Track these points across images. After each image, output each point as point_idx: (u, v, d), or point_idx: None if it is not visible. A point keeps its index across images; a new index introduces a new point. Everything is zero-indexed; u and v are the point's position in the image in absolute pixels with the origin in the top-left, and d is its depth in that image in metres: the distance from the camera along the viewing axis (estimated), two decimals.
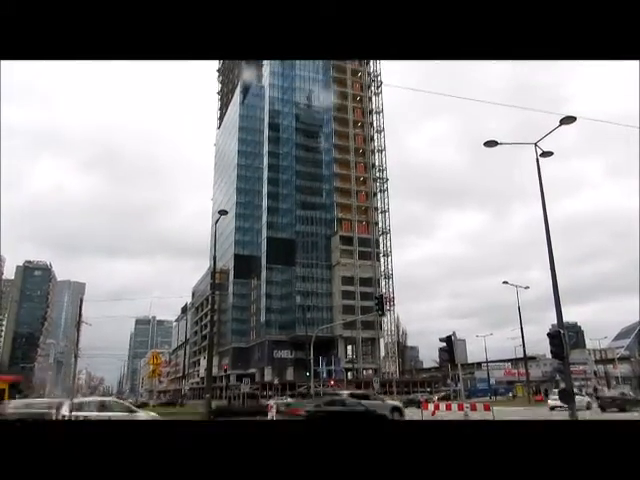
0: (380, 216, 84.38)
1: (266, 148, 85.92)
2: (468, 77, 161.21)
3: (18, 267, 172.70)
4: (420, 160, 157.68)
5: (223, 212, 29.72)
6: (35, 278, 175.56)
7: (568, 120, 19.26)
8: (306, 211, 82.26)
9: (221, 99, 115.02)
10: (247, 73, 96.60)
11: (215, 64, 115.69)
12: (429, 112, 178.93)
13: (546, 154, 20.22)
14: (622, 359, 78.52)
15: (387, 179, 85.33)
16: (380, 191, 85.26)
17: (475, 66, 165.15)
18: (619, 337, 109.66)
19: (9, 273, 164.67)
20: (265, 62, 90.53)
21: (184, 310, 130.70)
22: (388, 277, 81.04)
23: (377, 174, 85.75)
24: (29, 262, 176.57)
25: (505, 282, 43.08)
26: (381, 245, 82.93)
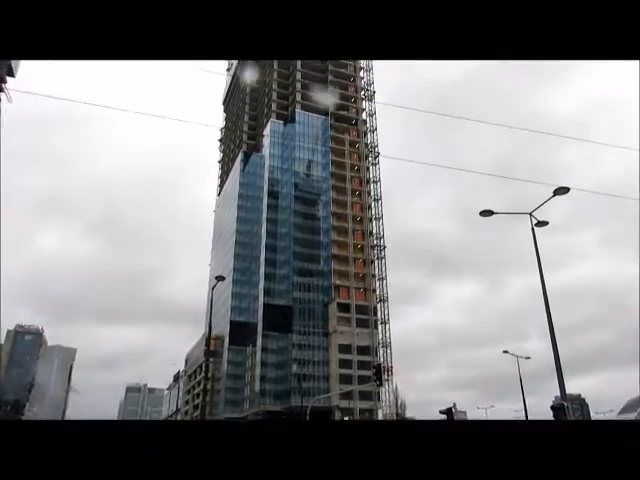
0: (378, 283, 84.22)
1: (265, 215, 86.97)
2: (463, 150, 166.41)
3: (9, 331, 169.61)
4: (416, 229, 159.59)
5: (220, 278, 29.63)
6: (26, 343, 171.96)
7: (561, 191, 19.70)
8: (303, 278, 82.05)
9: (222, 167, 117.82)
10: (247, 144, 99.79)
11: (217, 134, 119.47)
12: (425, 182, 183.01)
13: (541, 224, 20.52)
14: None
15: (384, 246, 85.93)
16: (377, 258, 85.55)
17: (469, 137, 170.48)
18: (625, 410, 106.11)
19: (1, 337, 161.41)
20: (266, 132, 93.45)
21: (176, 378, 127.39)
22: (386, 346, 79.70)
23: (374, 241, 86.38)
24: (20, 326, 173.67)
25: (505, 351, 42.38)
26: (379, 313, 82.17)
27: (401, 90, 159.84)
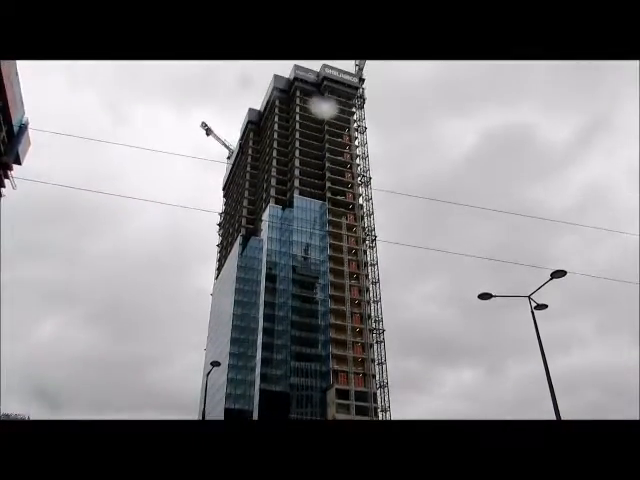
0: (377, 368, 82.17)
1: (262, 299, 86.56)
2: (459, 235, 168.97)
3: None
4: (414, 314, 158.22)
5: (215, 363, 28.97)
6: None
7: (558, 274, 19.77)
8: (301, 363, 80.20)
9: (220, 251, 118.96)
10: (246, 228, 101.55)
11: (217, 218, 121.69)
12: (423, 265, 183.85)
13: (540, 307, 20.39)
14: None
15: (383, 330, 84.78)
16: (376, 342, 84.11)
17: (464, 226, 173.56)
18: None
19: None
20: (264, 217, 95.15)
21: None
22: None
23: (373, 325, 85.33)
24: (7, 415, 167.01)
25: None
26: (379, 399, 79.47)
27: (399, 176, 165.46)
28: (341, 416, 75.36)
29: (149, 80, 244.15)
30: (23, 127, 52.70)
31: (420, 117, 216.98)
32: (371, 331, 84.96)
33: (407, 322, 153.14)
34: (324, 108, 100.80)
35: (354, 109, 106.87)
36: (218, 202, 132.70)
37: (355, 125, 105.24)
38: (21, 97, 51.18)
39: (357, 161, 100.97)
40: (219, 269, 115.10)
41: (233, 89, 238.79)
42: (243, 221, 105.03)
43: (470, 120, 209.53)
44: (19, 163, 53.31)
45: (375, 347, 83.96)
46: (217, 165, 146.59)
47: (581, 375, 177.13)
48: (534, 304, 20.17)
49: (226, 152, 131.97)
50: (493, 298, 20.95)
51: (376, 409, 78.57)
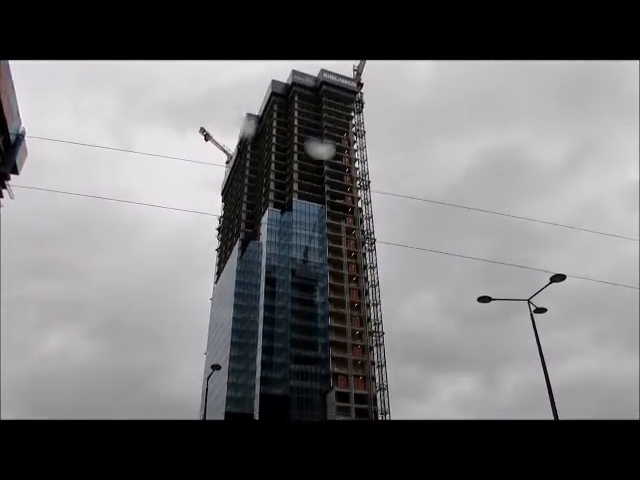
0: (377, 371, 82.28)
1: (262, 302, 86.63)
2: (455, 247, 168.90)
3: None
4: (411, 321, 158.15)
5: (216, 367, 29.17)
6: None
7: (558, 278, 19.99)
8: (301, 365, 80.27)
9: (219, 255, 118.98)
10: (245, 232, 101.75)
11: (216, 223, 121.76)
12: (419, 276, 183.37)
13: (540, 310, 20.64)
14: None
15: (383, 332, 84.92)
16: (376, 345, 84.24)
17: (461, 237, 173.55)
18: None
19: None
20: (263, 221, 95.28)
21: None
22: None
23: (373, 327, 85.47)
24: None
25: None
26: (379, 402, 79.58)
27: (396, 190, 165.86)
28: (341, 418, 75.44)
29: (148, 105, 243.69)
30: (20, 137, 52.82)
31: (415, 135, 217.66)
32: (371, 334, 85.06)
33: (405, 329, 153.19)
34: (322, 112, 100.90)
35: (352, 113, 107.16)
36: (217, 207, 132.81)
37: (354, 129, 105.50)
38: (17, 109, 51.32)
39: (356, 165, 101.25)
40: (218, 273, 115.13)
41: (232, 102, 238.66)
42: (242, 225, 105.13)
43: (464, 140, 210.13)
44: (16, 173, 53.39)
45: (375, 350, 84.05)
46: (216, 170, 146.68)
47: (578, 383, 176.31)
48: (533, 308, 20.45)
49: (225, 158, 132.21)
50: (492, 302, 21.23)
51: (376, 411, 78.67)
